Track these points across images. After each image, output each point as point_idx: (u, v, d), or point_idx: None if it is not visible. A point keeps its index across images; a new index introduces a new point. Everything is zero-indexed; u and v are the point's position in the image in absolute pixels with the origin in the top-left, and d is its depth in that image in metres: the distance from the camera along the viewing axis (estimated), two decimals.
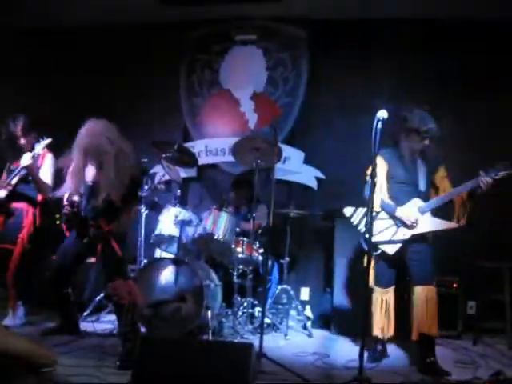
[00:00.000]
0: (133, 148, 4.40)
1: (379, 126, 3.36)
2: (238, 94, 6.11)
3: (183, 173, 5.84)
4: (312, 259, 5.84)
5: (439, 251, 5.19)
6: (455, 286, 5.05)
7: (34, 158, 4.75)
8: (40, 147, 4.76)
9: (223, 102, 6.15)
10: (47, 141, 4.81)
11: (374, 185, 3.39)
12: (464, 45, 5.60)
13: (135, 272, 4.81)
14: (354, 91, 5.75)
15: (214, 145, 6.04)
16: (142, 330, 4.53)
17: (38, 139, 4.83)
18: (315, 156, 5.87)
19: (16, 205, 4.83)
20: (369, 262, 3.48)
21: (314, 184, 5.81)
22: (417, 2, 5.44)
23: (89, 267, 5.28)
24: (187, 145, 6.02)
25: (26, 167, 4.72)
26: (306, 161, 5.85)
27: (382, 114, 3.42)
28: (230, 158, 5.28)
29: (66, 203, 4.21)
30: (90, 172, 4.29)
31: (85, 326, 4.82)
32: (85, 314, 5.11)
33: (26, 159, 4.71)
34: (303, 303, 5.65)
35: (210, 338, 4.37)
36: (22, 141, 4.90)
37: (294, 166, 5.83)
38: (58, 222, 4.64)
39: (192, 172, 5.99)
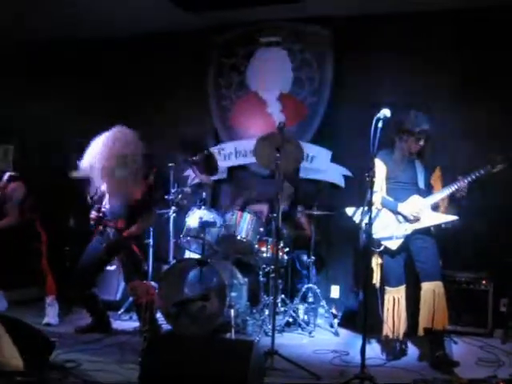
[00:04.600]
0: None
1: (380, 125, 3.39)
2: (265, 95, 6.19)
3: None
4: (342, 257, 5.85)
5: (469, 248, 5.19)
6: (484, 282, 4.95)
7: None
8: None
9: (251, 104, 6.24)
10: None
11: (372, 183, 3.42)
12: None
13: (162, 272, 5.00)
14: (381, 89, 5.69)
15: (243, 146, 6.14)
16: (168, 327, 4.73)
17: None
18: (343, 154, 5.87)
19: None
20: (370, 259, 3.54)
21: (341, 182, 5.82)
22: None
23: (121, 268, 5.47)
24: (217, 147, 6.20)
25: None
26: (334, 159, 5.87)
27: (384, 112, 3.46)
28: None
29: (93, 210, 4.45)
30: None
31: (118, 324, 5.08)
32: (119, 312, 5.35)
33: None
34: (333, 301, 5.69)
35: (233, 335, 4.49)
36: None
37: (321, 165, 5.85)
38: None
39: (222, 174, 6.11)
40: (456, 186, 3.99)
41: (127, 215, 4.47)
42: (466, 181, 3.96)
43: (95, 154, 4.31)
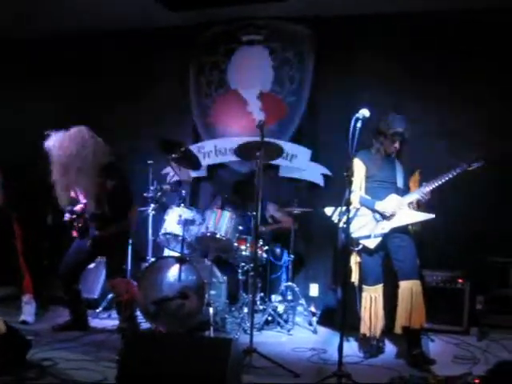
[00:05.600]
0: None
1: (358, 125, 3.42)
2: (246, 93, 6.17)
3: (194, 173, 5.98)
4: (321, 256, 5.88)
5: (445, 247, 5.25)
6: (461, 281, 5.01)
7: None
8: None
9: (231, 102, 6.22)
10: None
11: (350, 183, 3.45)
12: None
13: (140, 270, 4.98)
14: (361, 89, 5.72)
15: (223, 144, 6.13)
16: (148, 325, 4.71)
17: None
18: (322, 153, 5.89)
19: None
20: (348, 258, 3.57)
21: (320, 181, 5.84)
22: None
23: (100, 266, 5.42)
24: (197, 145, 6.19)
25: None
26: (313, 158, 5.88)
27: (364, 112, 3.49)
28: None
29: (66, 212, 4.42)
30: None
31: (96, 322, 5.05)
32: (97, 310, 5.31)
33: None
34: (312, 299, 5.72)
35: (212, 333, 4.49)
36: None
37: (301, 164, 5.87)
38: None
39: (202, 172, 6.10)
40: (434, 184, 4.04)
41: (101, 219, 4.44)
42: (443, 179, 4.01)
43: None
